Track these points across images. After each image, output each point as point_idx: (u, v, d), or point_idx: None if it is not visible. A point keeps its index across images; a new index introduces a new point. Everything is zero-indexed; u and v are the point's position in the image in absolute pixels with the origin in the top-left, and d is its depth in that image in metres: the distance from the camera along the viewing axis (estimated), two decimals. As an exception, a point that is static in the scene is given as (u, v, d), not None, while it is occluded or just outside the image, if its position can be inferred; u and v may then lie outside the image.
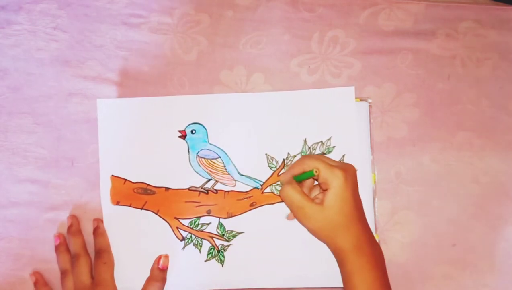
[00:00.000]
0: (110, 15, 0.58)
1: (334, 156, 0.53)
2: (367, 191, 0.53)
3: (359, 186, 0.50)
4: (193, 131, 0.55)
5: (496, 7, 0.57)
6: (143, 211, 0.54)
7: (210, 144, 0.55)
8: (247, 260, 0.53)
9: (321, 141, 0.54)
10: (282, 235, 0.53)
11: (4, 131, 0.57)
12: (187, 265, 0.54)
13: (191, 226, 0.54)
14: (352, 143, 0.53)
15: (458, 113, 0.55)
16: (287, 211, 0.53)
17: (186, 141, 0.55)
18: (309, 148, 0.54)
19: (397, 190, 0.54)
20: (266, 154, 0.54)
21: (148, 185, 0.55)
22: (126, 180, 0.55)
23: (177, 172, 0.54)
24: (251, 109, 0.55)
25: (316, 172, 0.47)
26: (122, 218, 0.54)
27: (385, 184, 0.54)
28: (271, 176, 0.54)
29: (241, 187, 0.54)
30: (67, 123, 0.57)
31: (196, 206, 0.54)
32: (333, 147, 0.54)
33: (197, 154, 0.54)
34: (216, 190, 0.54)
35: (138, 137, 0.55)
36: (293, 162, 0.54)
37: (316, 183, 0.52)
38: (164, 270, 0.53)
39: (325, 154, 0.54)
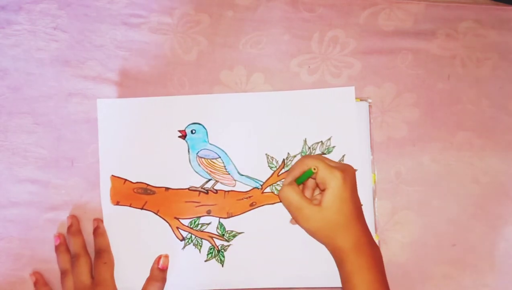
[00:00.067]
0: (110, 15, 0.58)
1: (334, 156, 0.53)
2: (367, 191, 0.53)
3: (359, 186, 0.50)
4: (193, 131, 0.55)
5: (496, 7, 0.57)
6: (143, 211, 0.54)
7: (210, 144, 0.55)
8: (247, 260, 0.53)
9: (321, 141, 0.54)
10: (282, 235, 0.53)
11: (4, 131, 0.57)
12: (187, 265, 0.54)
13: (191, 226, 0.54)
14: (352, 143, 0.53)
15: (458, 113, 0.55)
16: (287, 211, 0.53)
17: (186, 141, 0.55)
18: (309, 148, 0.54)
19: (397, 190, 0.54)
20: (266, 154, 0.54)
21: (148, 185, 0.55)
22: (126, 180, 0.55)
23: (177, 172, 0.54)
24: (251, 109, 0.55)
25: (314, 169, 0.47)
26: (122, 218, 0.54)
27: (385, 184, 0.54)
28: (271, 176, 0.54)
29: (241, 187, 0.54)
30: (67, 123, 0.57)
31: (196, 206, 0.54)
32: (333, 147, 0.54)
33: (197, 154, 0.54)
34: (216, 190, 0.54)
35: (138, 137, 0.55)
36: (293, 162, 0.54)
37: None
38: (164, 270, 0.53)
39: (325, 154, 0.54)
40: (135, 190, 0.55)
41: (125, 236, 0.54)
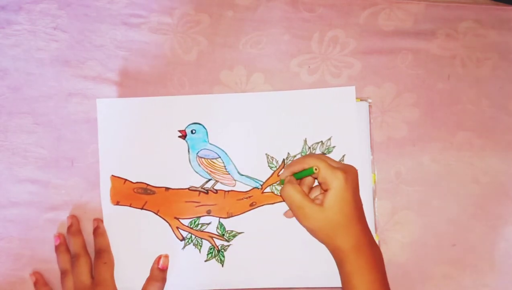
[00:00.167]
0: (110, 15, 0.58)
1: (334, 156, 0.53)
2: (367, 191, 0.53)
3: (359, 186, 0.50)
4: (193, 131, 0.55)
5: (496, 7, 0.57)
6: (143, 211, 0.54)
7: (210, 144, 0.55)
8: (247, 260, 0.53)
9: (321, 141, 0.54)
10: (282, 235, 0.53)
11: (4, 131, 0.57)
12: (187, 265, 0.54)
13: (191, 226, 0.54)
14: (352, 143, 0.53)
15: (458, 113, 0.55)
16: (286, 208, 0.53)
17: (186, 141, 0.55)
18: (309, 147, 0.54)
19: (397, 190, 0.54)
20: (266, 154, 0.54)
21: (148, 185, 0.55)
22: (126, 180, 0.55)
23: (177, 172, 0.54)
24: (251, 109, 0.55)
25: (315, 169, 0.47)
26: (122, 218, 0.54)
27: (385, 184, 0.55)
28: (271, 175, 0.54)
29: (241, 186, 0.54)
30: (67, 123, 0.57)
31: (196, 206, 0.54)
32: (333, 147, 0.54)
33: (197, 153, 0.54)
34: (216, 190, 0.54)
35: (138, 137, 0.55)
36: (293, 162, 0.54)
37: (316, 183, 0.52)
38: (164, 270, 0.53)
39: (325, 153, 0.54)
40: (135, 190, 0.55)
41: (125, 236, 0.54)
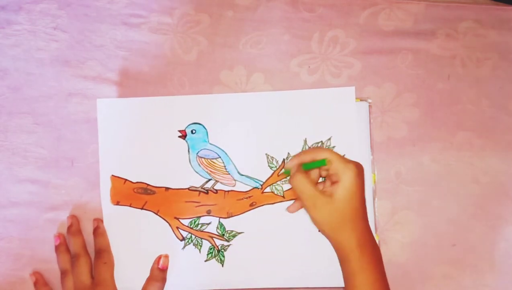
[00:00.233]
0: (110, 15, 0.58)
1: (334, 156, 0.53)
2: (367, 191, 0.53)
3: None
4: (193, 131, 0.55)
5: (496, 7, 0.57)
6: (143, 211, 0.54)
7: (210, 144, 0.55)
8: (247, 260, 0.53)
9: (321, 141, 0.54)
10: (282, 235, 0.53)
11: (4, 131, 0.57)
12: (187, 265, 0.54)
13: (191, 226, 0.54)
14: (352, 143, 0.53)
15: (458, 113, 0.55)
16: (286, 208, 0.53)
17: (186, 141, 0.55)
18: (309, 147, 0.54)
19: (397, 190, 0.54)
20: (266, 154, 0.54)
21: (148, 185, 0.55)
22: (126, 180, 0.55)
23: (177, 172, 0.54)
24: (251, 109, 0.55)
25: (328, 162, 0.47)
26: (122, 218, 0.54)
27: (385, 184, 0.55)
28: (271, 175, 0.54)
29: (241, 186, 0.54)
30: (67, 123, 0.57)
31: (196, 206, 0.54)
32: (333, 147, 0.54)
33: (197, 153, 0.54)
34: (216, 190, 0.54)
35: (138, 137, 0.55)
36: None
37: (321, 179, 0.52)
38: (164, 270, 0.53)
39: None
40: (135, 190, 0.55)
41: (125, 236, 0.54)
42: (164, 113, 0.55)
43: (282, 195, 0.54)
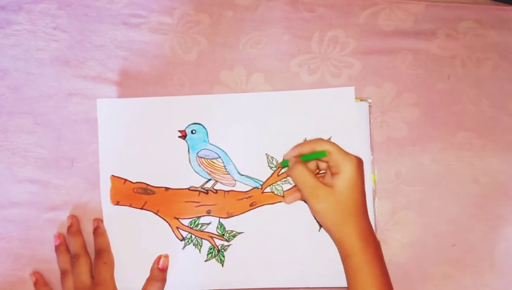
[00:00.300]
0: (110, 15, 0.58)
1: (334, 156, 0.53)
2: (367, 191, 0.53)
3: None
4: (193, 132, 0.55)
5: (496, 7, 0.57)
6: (143, 211, 0.54)
7: (210, 144, 0.55)
8: (247, 260, 0.53)
9: (321, 141, 0.54)
10: (282, 235, 0.53)
11: (4, 131, 0.57)
12: (187, 265, 0.54)
13: (191, 226, 0.54)
14: (352, 143, 0.53)
15: (458, 113, 0.55)
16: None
17: (186, 142, 0.55)
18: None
19: (397, 190, 0.54)
20: (266, 154, 0.54)
21: (148, 185, 0.55)
22: (126, 180, 0.55)
23: (177, 172, 0.54)
24: (251, 109, 0.55)
25: (328, 153, 0.47)
26: (122, 218, 0.54)
27: (385, 184, 0.54)
28: (271, 175, 0.54)
29: (241, 186, 0.54)
30: (67, 123, 0.57)
31: (196, 206, 0.54)
32: (333, 146, 0.54)
33: (197, 154, 0.54)
34: (216, 190, 0.54)
35: (138, 137, 0.55)
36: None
37: (320, 172, 0.52)
38: (164, 270, 0.53)
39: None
40: (135, 190, 0.55)
41: (125, 236, 0.54)
42: (164, 113, 0.55)
43: (282, 195, 0.54)
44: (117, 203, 0.55)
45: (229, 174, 0.54)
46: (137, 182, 0.55)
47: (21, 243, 0.55)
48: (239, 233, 0.54)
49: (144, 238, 0.54)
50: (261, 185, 0.54)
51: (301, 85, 0.56)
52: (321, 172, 0.52)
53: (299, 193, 0.51)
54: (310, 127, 0.54)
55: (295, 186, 0.53)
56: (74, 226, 0.54)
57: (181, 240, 0.54)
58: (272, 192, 0.54)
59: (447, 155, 0.55)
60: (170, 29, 0.58)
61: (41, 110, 0.57)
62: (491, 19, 0.57)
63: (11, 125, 0.57)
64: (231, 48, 0.57)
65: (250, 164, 0.54)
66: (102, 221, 0.54)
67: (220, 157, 0.54)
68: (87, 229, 0.55)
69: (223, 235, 0.54)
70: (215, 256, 0.54)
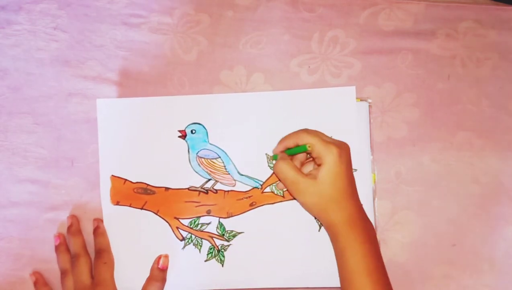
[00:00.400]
0: (110, 15, 0.58)
1: (334, 155, 0.53)
2: (367, 191, 0.53)
3: (359, 186, 0.50)
4: (193, 131, 0.55)
5: (496, 7, 0.57)
6: (143, 211, 0.54)
7: (210, 144, 0.55)
8: (247, 260, 0.53)
9: (321, 141, 0.54)
10: (282, 235, 0.53)
11: (4, 131, 0.57)
12: (187, 265, 0.54)
13: (191, 226, 0.54)
14: (352, 143, 0.53)
15: (458, 113, 0.55)
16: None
17: (186, 141, 0.55)
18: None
19: (397, 190, 0.54)
20: (266, 154, 0.54)
21: (148, 185, 0.55)
22: (126, 180, 0.55)
23: (177, 172, 0.54)
24: (251, 109, 0.55)
25: (309, 147, 0.48)
26: (122, 218, 0.54)
27: (385, 184, 0.55)
28: (271, 175, 0.54)
29: (241, 186, 0.54)
30: (67, 123, 0.57)
31: (196, 206, 0.54)
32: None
33: (197, 153, 0.54)
34: (216, 190, 0.54)
35: (138, 137, 0.55)
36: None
37: (308, 157, 0.52)
38: (164, 270, 0.53)
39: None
40: (135, 190, 0.55)
41: (125, 236, 0.54)
42: (164, 113, 0.55)
43: (282, 195, 0.54)
44: (117, 203, 0.55)
45: (229, 174, 0.54)
46: (137, 182, 0.55)
47: (21, 243, 0.55)
48: (239, 233, 0.54)
49: (144, 238, 0.54)
50: (261, 185, 0.54)
51: (301, 85, 0.56)
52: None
53: None
54: (310, 127, 0.54)
55: None
56: (74, 226, 0.54)
57: (181, 240, 0.54)
58: (272, 191, 0.54)
59: (447, 155, 0.55)
60: (170, 29, 0.58)
61: (41, 110, 0.57)
62: (491, 19, 0.57)
63: (11, 125, 0.57)
64: (231, 48, 0.57)
65: (250, 164, 0.54)
66: (102, 221, 0.54)
67: (220, 157, 0.54)
68: (87, 229, 0.55)
69: (223, 235, 0.54)
70: (215, 256, 0.54)
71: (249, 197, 0.54)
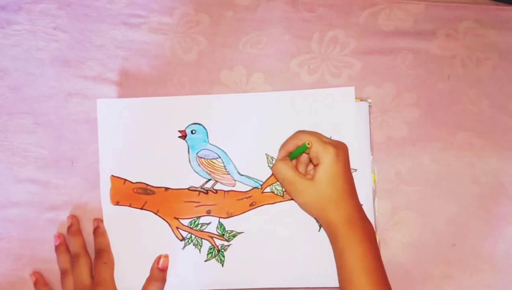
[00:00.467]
0: (110, 15, 0.58)
1: (334, 156, 0.53)
2: (367, 191, 0.53)
3: (359, 186, 0.50)
4: (193, 132, 0.55)
5: (496, 7, 0.57)
6: (143, 211, 0.54)
7: (210, 144, 0.55)
8: (247, 260, 0.53)
9: (321, 141, 0.54)
10: (282, 235, 0.53)
11: (4, 131, 0.57)
12: (187, 265, 0.54)
13: (191, 226, 0.54)
14: (352, 143, 0.53)
15: (458, 113, 0.55)
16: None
17: (186, 142, 0.55)
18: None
19: (397, 190, 0.54)
20: (266, 154, 0.54)
21: (147, 185, 0.55)
22: (126, 180, 0.55)
23: (177, 172, 0.54)
24: (251, 109, 0.55)
25: (308, 144, 0.48)
26: (122, 218, 0.54)
27: (385, 184, 0.54)
28: (271, 176, 0.54)
29: (241, 186, 0.54)
30: (67, 123, 0.57)
31: (196, 206, 0.54)
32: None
33: (197, 154, 0.54)
34: (216, 190, 0.54)
35: (138, 137, 0.55)
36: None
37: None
38: (164, 270, 0.53)
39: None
40: (135, 190, 0.55)
41: (125, 236, 0.54)
42: (164, 113, 0.55)
43: (282, 195, 0.54)
44: (117, 203, 0.55)
45: (229, 174, 0.54)
46: (137, 182, 0.55)
47: (21, 243, 0.55)
48: (239, 233, 0.54)
49: (144, 238, 0.54)
50: (261, 185, 0.54)
51: (301, 85, 0.56)
52: None
53: None
54: (310, 127, 0.54)
55: None
56: (74, 226, 0.54)
57: (181, 240, 0.54)
58: (272, 192, 0.54)
59: (447, 155, 0.55)
60: (170, 29, 0.58)
61: (41, 110, 0.57)
62: (491, 19, 0.57)
63: (11, 125, 0.57)
64: (231, 48, 0.57)
65: (250, 164, 0.54)
66: (102, 221, 0.54)
67: (220, 157, 0.54)
68: (87, 229, 0.55)
69: (223, 235, 0.54)
70: (215, 256, 0.54)
71: (249, 197, 0.54)
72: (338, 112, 0.54)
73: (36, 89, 0.57)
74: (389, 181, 0.55)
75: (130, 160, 0.55)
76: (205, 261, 0.54)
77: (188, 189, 0.54)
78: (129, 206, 0.54)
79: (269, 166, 0.54)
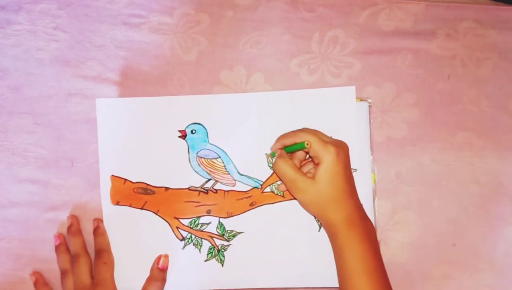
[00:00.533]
0: (110, 15, 0.58)
1: (334, 155, 0.53)
2: (367, 191, 0.53)
3: (359, 186, 0.50)
4: (193, 131, 0.55)
5: (496, 7, 0.57)
6: (143, 211, 0.54)
7: (210, 144, 0.55)
8: (247, 260, 0.53)
9: (321, 141, 0.54)
10: (282, 235, 0.53)
11: (4, 131, 0.57)
12: (187, 265, 0.54)
13: (191, 226, 0.54)
14: (352, 143, 0.53)
15: (458, 113, 0.55)
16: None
17: (186, 141, 0.55)
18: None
19: (397, 190, 0.54)
20: (266, 154, 0.54)
21: (148, 184, 0.55)
22: (126, 179, 0.55)
23: (177, 171, 0.54)
24: (251, 109, 0.55)
25: (307, 144, 0.48)
26: (122, 218, 0.54)
27: (385, 184, 0.55)
28: (271, 175, 0.54)
29: (241, 186, 0.54)
30: (67, 123, 0.57)
31: (196, 206, 0.54)
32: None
33: (197, 153, 0.55)
34: (216, 190, 0.54)
35: (138, 137, 0.55)
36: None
37: (308, 157, 0.52)
38: (164, 270, 0.53)
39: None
40: (135, 190, 0.55)
41: (125, 236, 0.54)
42: (164, 113, 0.55)
43: (282, 195, 0.54)
44: (117, 203, 0.55)
45: (229, 173, 0.54)
46: (137, 182, 0.55)
47: (21, 243, 0.55)
48: (239, 232, 0.54)
49: (144, 238, 0.54)
50: (261, 185, 0.54)
51: (301, 85, 0.56)
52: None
53: None
54: (310, 127, 0.54)
55: None
56: (74, 226, 0.54)
57: (181, 240, 0.54)
58: (272, 191, 0.54)
59: (447, 155, 0.55)
60: (170, 29, 0.58)
61: (41, 110, 0.57)
62: (491, 19, 0.57)
63: (11, 125, 0.57)
64: (231, 48, 0.57)
65: (250, 163, 0.54)
66: (102, 221, 0.54)
67: (220, 157, 0.54)
68: (87, 229, 0.55)
69: (223, 235, 0.54)
70: (215, 256, 0.54)
71: (249, 196, 0.54)
72: (338, 112, 0.54)
73: (36, 89, 0.57)
74: (389, 181, 0.55)
75: (130, 160, 0.55)
76: (205, 261, 0.54)
77: (188, 188, 0.54)
78: (129, 206, 0.54)
79: (269, 165, 0.54)
